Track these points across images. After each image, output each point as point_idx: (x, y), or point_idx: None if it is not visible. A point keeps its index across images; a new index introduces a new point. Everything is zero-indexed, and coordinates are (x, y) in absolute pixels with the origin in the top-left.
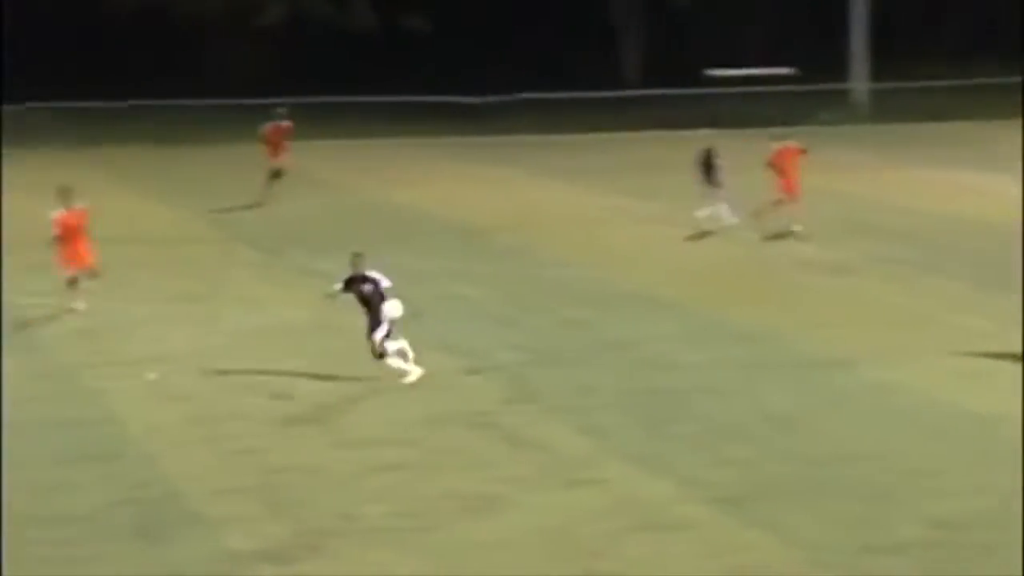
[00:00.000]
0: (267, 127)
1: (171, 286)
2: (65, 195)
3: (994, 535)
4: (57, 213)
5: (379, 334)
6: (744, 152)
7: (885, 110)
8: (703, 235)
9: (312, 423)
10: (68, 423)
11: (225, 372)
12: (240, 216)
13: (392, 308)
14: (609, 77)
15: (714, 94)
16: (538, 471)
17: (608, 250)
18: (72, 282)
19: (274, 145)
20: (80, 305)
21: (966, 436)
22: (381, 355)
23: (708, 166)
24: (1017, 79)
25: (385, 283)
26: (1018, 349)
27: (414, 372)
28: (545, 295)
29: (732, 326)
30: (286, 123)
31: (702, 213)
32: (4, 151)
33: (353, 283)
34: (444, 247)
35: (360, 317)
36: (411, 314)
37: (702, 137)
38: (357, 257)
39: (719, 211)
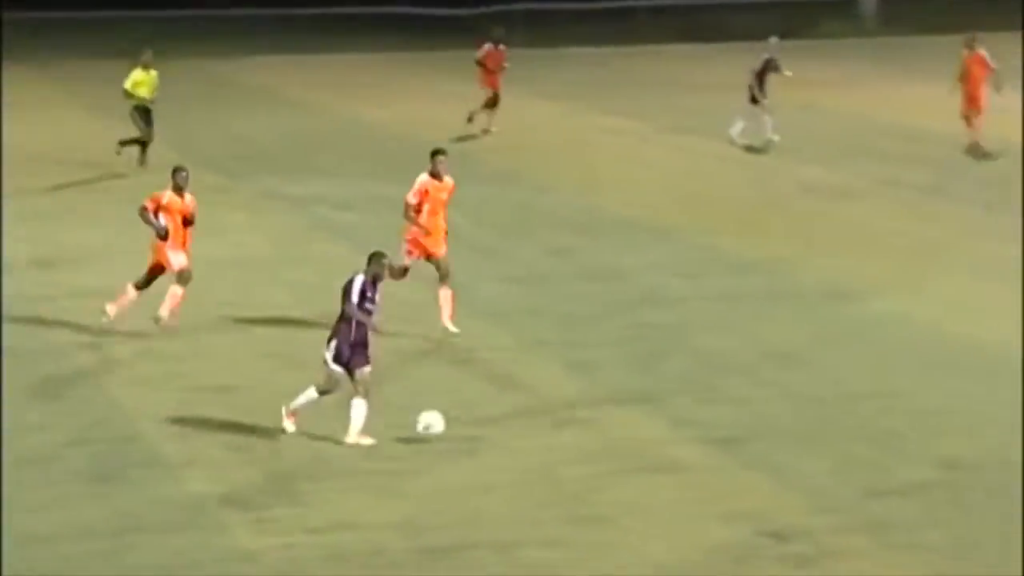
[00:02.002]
0: (485, 50)
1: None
2: None
3: (1005, 475)
4: None
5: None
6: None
7: (894, 21)
8: (701, 158)
9: (277, 357)
10: (24, 354)
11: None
12: (200, 138)
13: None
14: None
15: (721, 4)
16: (522, 411)
17: (600, 174)
18: None
19: (490, 71)
20: None
21: (977, 371)
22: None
23: (763, 76)
24: None
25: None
26: None
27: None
28: (530, 222)
29: (729, 255)
30: (502, 47)
31: (736, 129)
32: None
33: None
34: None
35: (328, 245)
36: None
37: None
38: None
39: (764, 125)
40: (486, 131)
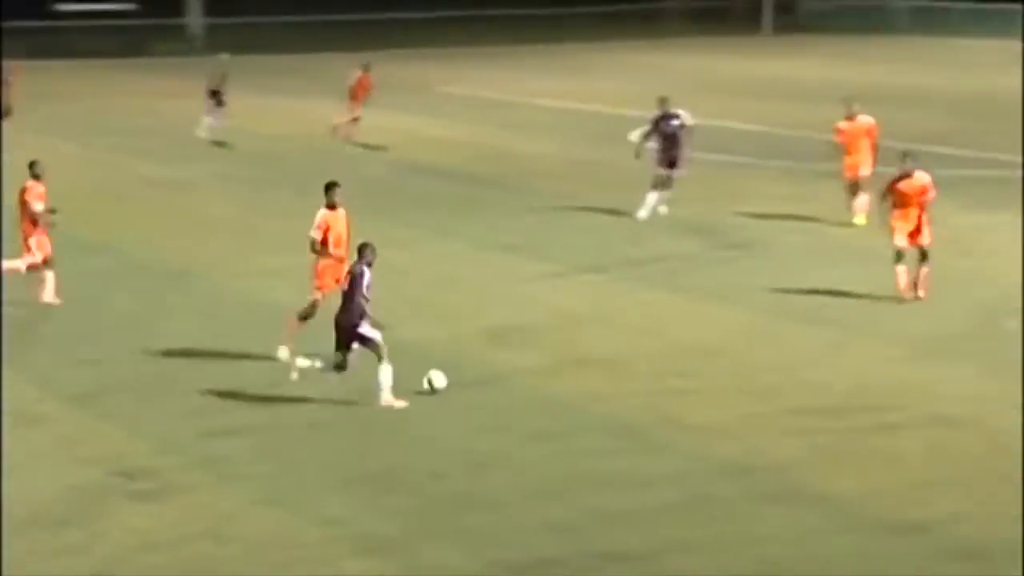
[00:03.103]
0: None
1: None
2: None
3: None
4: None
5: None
6: (88, 80)
7: (218, 43)
8: (63, 158)
9: None
10: None
11: None
12: None
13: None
14: None
15: (64, 27)
16: None
17: None
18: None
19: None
20: None
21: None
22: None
23: (219, 88)
24: (347, 16)
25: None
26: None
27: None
28: None
29: (83, 239)
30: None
31: (203, 128)
32: None
33: None
34: None
35: None
36: None
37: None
38: None
39: (210, 124)
40: None
